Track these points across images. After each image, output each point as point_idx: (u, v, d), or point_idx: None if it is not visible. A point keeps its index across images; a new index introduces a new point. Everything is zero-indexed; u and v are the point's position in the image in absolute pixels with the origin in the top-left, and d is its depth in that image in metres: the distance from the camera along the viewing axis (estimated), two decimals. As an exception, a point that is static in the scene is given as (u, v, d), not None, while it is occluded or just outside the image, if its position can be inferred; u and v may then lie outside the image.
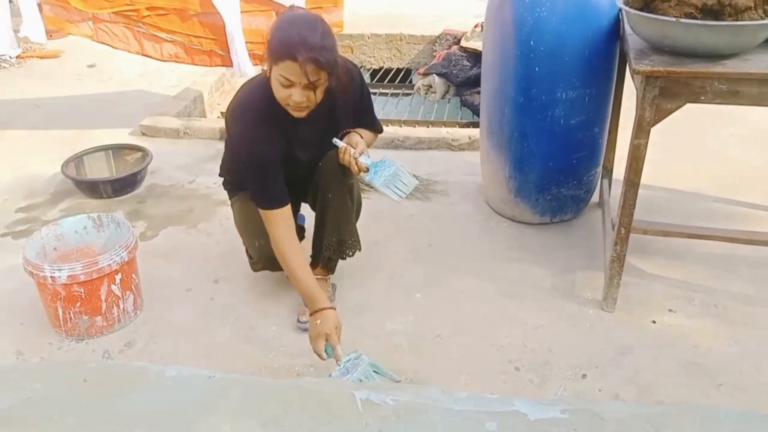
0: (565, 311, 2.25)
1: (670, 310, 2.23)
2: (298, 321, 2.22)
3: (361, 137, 2.08)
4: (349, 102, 2.08)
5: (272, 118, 1.94)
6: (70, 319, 2.14)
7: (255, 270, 2.28)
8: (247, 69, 3.53)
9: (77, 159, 3.18)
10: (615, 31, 2.34)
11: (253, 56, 3.56)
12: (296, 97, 1.84)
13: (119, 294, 2.17)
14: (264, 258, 2.17)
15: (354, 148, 2.01)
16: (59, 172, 3.14)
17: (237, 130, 2.01)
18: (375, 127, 2.23)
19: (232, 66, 3.56)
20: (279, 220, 1.98)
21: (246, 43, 3.49)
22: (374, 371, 1.90)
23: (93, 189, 3.08)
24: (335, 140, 2.03)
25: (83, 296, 2.10)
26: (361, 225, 2.54)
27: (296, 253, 2.00)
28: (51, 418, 1.82)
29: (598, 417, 1.71)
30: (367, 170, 2.02)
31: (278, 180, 1.99)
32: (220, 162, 2.36)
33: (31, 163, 3.45)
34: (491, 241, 2.66)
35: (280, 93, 1.86)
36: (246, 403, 1.83)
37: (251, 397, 1.85)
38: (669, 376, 1.97)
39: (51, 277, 2.05)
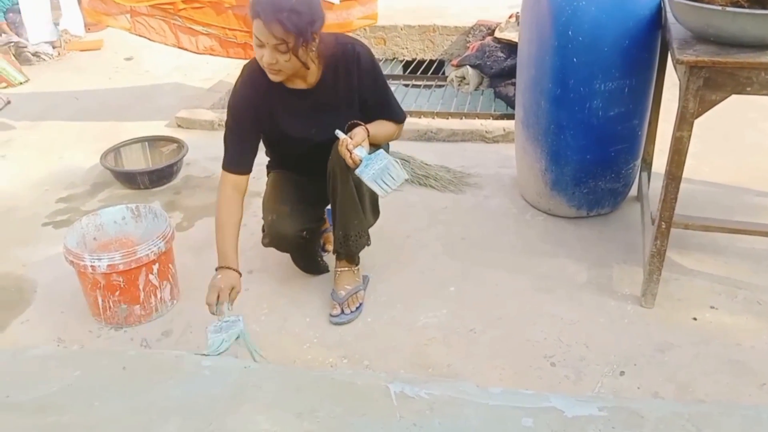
0: (601, 306, 2.21)
1: (712, 307, 2.18)
2: (330, 315, 2.23)
3: (366, 130, 2.04)
4: (353, 85, 2.07)
5: (260, 83, 2.00)
6: (110, 307, 2.18)
7: (264, 244, 2.31)
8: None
9: (115, 150, 3.23)
10: (656, 20, 2.28)
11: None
12: (266, 57, 1.88)
13: (157, 283, 2.21)
14: (272, 233, 2.21)
15: (351, 139, 1.99)
16: (98, 164, 3.20)
17: (233, 87, 2.13)
18: (395, 117, 2.20)
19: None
20: (228, 182, 2.07)
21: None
22: (243, 339, 1.94)
23: (131, 180, 3.13)
24: (338, 131, 2.03)
25: (122, 285, 2.14)
26: (392, 217, 2.55)
27: (229, 212, 2.05)
28: (91, 405, 1.85)
29: (637, 415, 1.68)
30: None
31: (242, 144, 2.08)
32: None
33: (70, 155, 3.52)
34: (526, 235, 2.63)
35: (256, 53, 1.92)
36: (280, 394, 1.84)
37: (285, 389, 1.86)
38: (710, 374, 1.92)
39: (91, 266, 2.09)
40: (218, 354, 1.95)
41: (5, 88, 4.50)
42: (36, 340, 2.19)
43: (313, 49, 1.95)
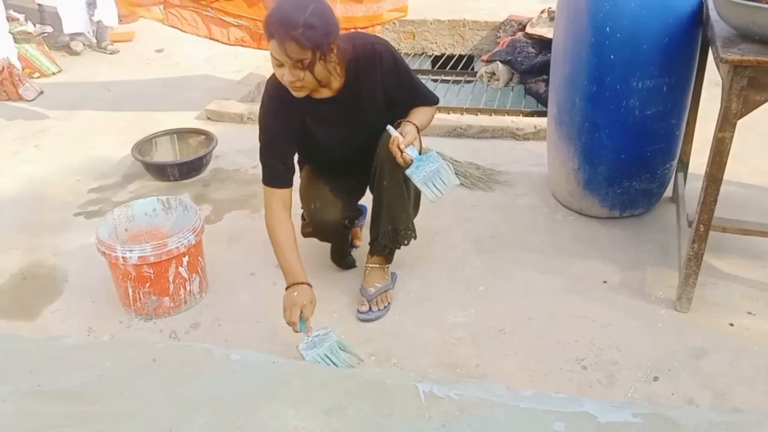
0: (634, 310, 2.16)
1: (749, 313, 2.12)
2: (358, 312, 2.22)
3: (416, 126, 2.02)
4: (377, 84, 2.04)
5: (286, 97, 1.97)
6: (140, 298, 2.19)
7: (304, 234, 2.30)
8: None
9: (146, 142, 3.25)
10: (697, 17, 2.22)
11: (316, 42, 3.55)
12: (287, 76, 1.87)
13: (186, 276, 2.22)
14: (315, 221, 2.21)
15: (403, 137, 1.97)
16: (128, 155, 3.23)
17: (261, 103, 2.12)
18: (428, 100, 2.16)
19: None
20: (275, 198, 2.06)
21: (310, 28, 3.49)
22: (340, 348, 1.93)
23: (161, 172, 3.15)
24: (389, 127, 2.00)
25: (152, 277, 2.15)
26: (421, 214, 2.51)
27: (285, 229, 2.04)
28: (121, 395, 1.87)
29: (673, 422, 1.64)
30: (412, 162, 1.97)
31: (280, 159, 2.06)
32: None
33: (102, 146, 3.56)
34: (557, 235, 2.59)
35: (276, 72, 1.90)
36: (309, 390, 1.83)
37: (314, 385, 1.86)
38: (747, 382, 1.87)
39: (122, 257, 2.11)
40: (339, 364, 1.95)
41: (38, 78, 4.56)
42: (67, 329, 2.21)
43: (332, 59, 1.92)
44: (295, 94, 1.95)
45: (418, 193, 2.20)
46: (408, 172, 1.97)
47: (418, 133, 2.02)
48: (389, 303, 2.25)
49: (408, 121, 2.04)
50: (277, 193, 2.06)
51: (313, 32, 1.80)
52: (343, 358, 1.94)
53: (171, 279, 2.18)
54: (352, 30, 3.49)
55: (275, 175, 2.07)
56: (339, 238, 2.36)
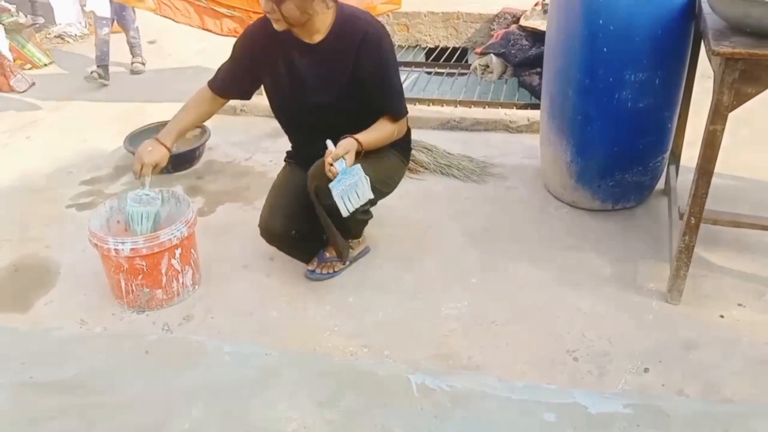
0: (626, 302, 2.18)
1: (740, 305, 2.13)
2: (306, 269, 2.35)
3: (356, 141, 1.99)
4: (351, 60, 2.03)
5: (270, 27, 2.00)
6: (132, 291, 2.19)
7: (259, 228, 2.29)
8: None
9: (138, 134, 3.24)
10: (690, 10, 2.23)
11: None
12: (263, 4, 1.92)
13: (179, 268, 2.21)
14: (262, 227, 2.24)
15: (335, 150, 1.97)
16: (121, 147, 3.21)
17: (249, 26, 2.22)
18: (390, 110, 2.11)
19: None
20: (206, 90, 2.22)
21: (304, 20, 3.47)
22: (157, 218, 2.19)
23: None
24: (328, 142, 2.00)
25: (145, 269, 2.14)
26: (414, 207, 2.53)
27: (197, 103, 2.23)
28: (114, 387, 1.87)
29: (663, 413, 1.66)
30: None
31: (232, 73, 2.18)
32: (276, 140, 2.38)
33: (94, 137, 3.54)
34: (550, 227, 2.59)
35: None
36: (301, 382, 1.84)
37: (306, 377, 1.87)
38: (737, 373, 1.89)
39: (114, 249, 2.10)
40: (141, 233, 2.16)
41: (30, 69, 4.53)
42: (59, 321, 2.21)
43: (310, 4, 1.91)
44: (274, 25, 1.98)
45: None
46: (330, 185, 1.97)
47: (361, 147, 1.99)
48: (334, 272, 2.35)
49: (351, 135, 2.01)
50: (206, 92, 2.22)
51: None
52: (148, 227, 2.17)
53: (164, 271, 2.18)
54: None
55: (216, 78, 2.21)
56: (288, 248, 2.32)
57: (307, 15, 1.95)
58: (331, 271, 2.35)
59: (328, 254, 2.35)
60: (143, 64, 4.60)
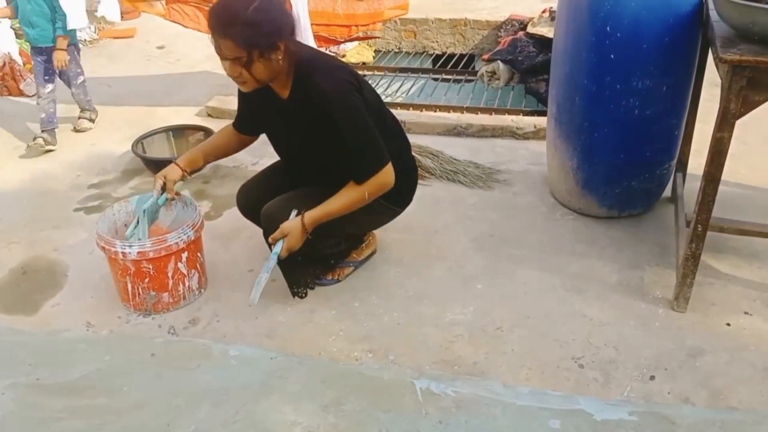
0: (632, 309, 2.17)
1: (746, 313, 2.13)
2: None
3: (301, 222, 1.97)
4: (312, 118, 1.94)
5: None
6: (139, 294, 2.20)
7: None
8: (311, 52, 3.54)
9: (146, 138, 3.26)
10: (697, 17, 2.23)
11: (317, 38, 3.56)
12: (227, 69, 1.88)
13: (185, 272, 2.22)
14: (237, 197, 2.33)
15: (284, 228, 1.99)
16: (129, 151, 3.23)
17: None
18: (355, 172, 1.96)
19: (297, 48, 3.57)
20: (228, 127, 2.28)
21: (311, 25, 3.49)
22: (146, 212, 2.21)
23: (160, 168, 3.12)
24: (293, 212, 2.04)
25: (151, 272, 2.15)
26: (421, 212, 2.53)
27: (220, 136, 2.29)
28: (120, 390, 1.88)
29: (668, 421, 1.65)
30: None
31: (245, 110, 2.21)
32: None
33: (103, 141, 3.56)
34: (556, 234, 2.59)
35: (221, 62, 1.90)
36: (307, 385, 1.84)
37: (312, 380, 1.87)
38: (743, 381, 1.88)
39: (122, 252, 2.11)
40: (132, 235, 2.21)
41: (40, 73, 4.56)
42: (66, 324, 2.22)
43: (278, 58, 1.85)
44: (241, 88, 1.96)
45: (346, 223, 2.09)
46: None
47: (304, 228, 1.97)
48: (337, 279, 2.35)
49: (307, 212, 1.98)
50: (229, 128, 2.26)
51: (252, 31, 1.75)
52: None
53: (170, 275, 2.19)
54: (354, 27, 3.50)
55: (238, 118, 2.23)
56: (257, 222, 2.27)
57: (274, 72, 1.89)
58: (335, 278, 2.36)
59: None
60: (92, 120, 3.76)
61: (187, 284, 2.25)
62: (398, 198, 2.17)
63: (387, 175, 1.98)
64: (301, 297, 2.28)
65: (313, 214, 1.98)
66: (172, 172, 2.19)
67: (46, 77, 3.53)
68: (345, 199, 1.98)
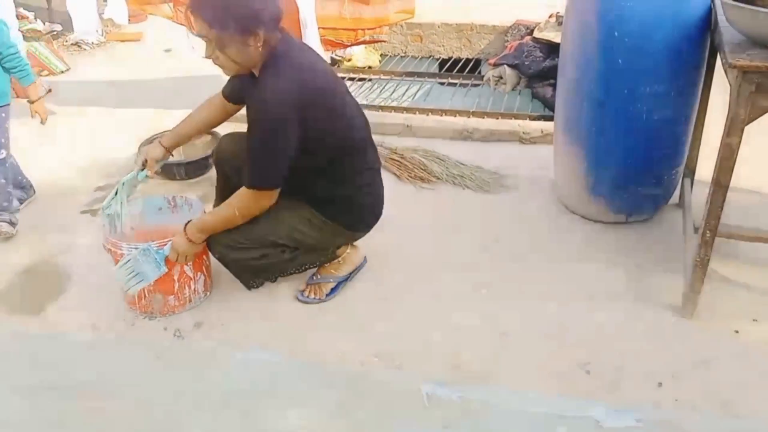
0: (640, 315, 2.16)
1: (755, 320, 2.11)
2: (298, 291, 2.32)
3: (184, 232, 2.07)
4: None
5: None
6: (145, 296, 2.20)
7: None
8: (318, 56, 3.54)
9: (152, 141, 3.26)
10: (706, 23, 2.22)
11: (324, 42, 3.55)
12: (205, 50, 1.88)
13: (191, 275, 2.22)
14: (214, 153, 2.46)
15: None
16: (135, 153, 3.24)
17: None
18: (246, 178, 1.99)
19: (303, 52, 3.57)
20: (213, 97, 2.29)
21: (318, 28, 3.49)
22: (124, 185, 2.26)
23: (167, 171, 3.16)
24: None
25: (157, 275, 2.15)
26: (427, 216, 2.52)
27: (203, 108, 2.32)
28: (125, 392, 1.88)
29: (676, 428, 1.64)
30: None
31: (235, 81, 2.19)
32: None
33: (109, 144, 3.57)
34: (563, 239, 2.58)
35: None
36: (312, 390, 1.84)
37: (317, 384, 1.87)
38: (752, 389, 1.86)
39: (128, 255, 2.11)
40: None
41: (47, 75, 4.58)
42: (72, 327, 2.22)
43: (259, 45, 1.81)
44: (223, 72, 1.96)
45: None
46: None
47: (186, 237, 2.04)
48: (319, 298, 2.28)
49: (192, 221, 2.08)
50: (222, 95, 2.26)
51: (223, 13, 1.74)
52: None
53: (176, 277, 2.18)
54: (360, 31, 3.50)
55: (226, 86, 2.24)
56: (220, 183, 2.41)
57: (252, 59, 1.87)
58: (317, 296, 2.28)
59: (319, 275, 2.30)
60: (12, 224, 2.69)
61: (192, 287, 2.25)
62: (348, 218, 2.17)
63: (263, 198, 1.99)
64: (257, 287, 2.33)
65: (195, 223, 2.08)
66: (155, 150, 2.26)
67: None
68: (222, 213, 2.08)
